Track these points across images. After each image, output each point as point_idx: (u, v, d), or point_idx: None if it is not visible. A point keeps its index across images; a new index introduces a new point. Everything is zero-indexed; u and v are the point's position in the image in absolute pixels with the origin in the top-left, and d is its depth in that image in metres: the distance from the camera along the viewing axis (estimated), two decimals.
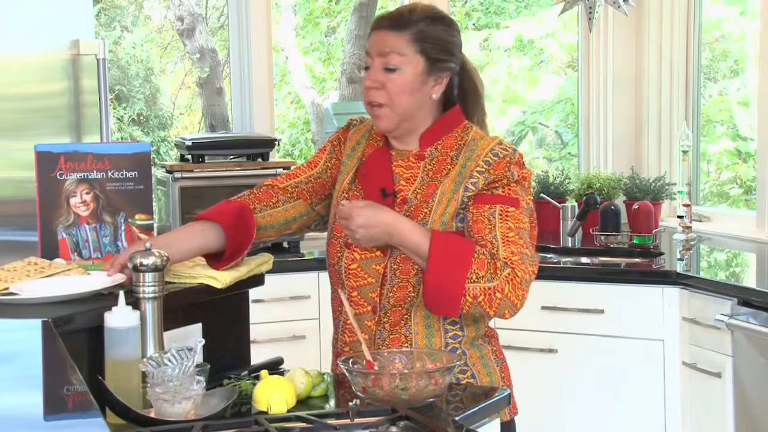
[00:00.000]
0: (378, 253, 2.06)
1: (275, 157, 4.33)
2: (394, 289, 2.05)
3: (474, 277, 1.95)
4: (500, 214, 2.02)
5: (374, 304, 2.08)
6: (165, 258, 1.91)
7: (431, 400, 1.85)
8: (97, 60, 3.12)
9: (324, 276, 3.67)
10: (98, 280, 1.98)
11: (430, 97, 2.10)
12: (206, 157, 3.92)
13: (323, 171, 2.23)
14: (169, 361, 1.74)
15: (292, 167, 2.33)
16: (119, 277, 1.97)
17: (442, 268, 1.96)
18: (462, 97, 2.17)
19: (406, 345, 2.06)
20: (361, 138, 2.21)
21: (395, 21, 2.08)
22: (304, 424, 1.64)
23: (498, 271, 1.97)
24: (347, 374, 1.87)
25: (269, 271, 2.31)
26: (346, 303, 2.05)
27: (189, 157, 3.89)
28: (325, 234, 2.26)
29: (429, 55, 2.07)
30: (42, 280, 1.99)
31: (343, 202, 2.05)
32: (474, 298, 1.96)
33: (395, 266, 2.05)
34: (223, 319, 2.25)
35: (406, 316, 2.07)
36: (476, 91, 2.19)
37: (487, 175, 2.04)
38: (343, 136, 2.25)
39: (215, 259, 2.15)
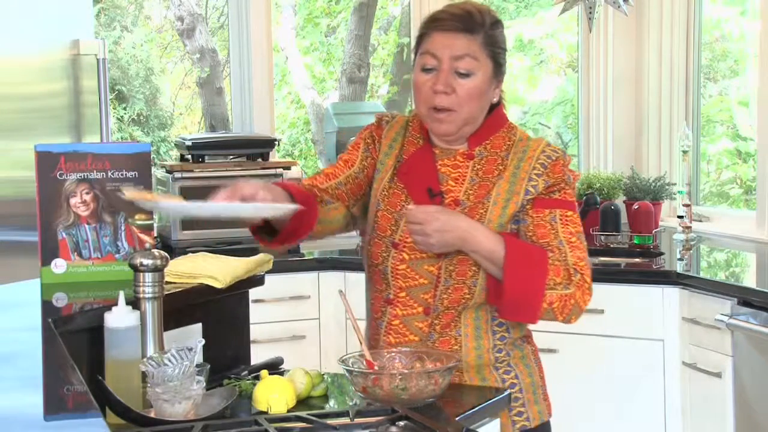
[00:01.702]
0: (430, 253, 2.02)
1: (275, 157, 4.33)
2: (449, 291, 2.03)
3: (551, 283, 1.97)
4: (561, 219, 2.03)
5: (426, 306, 2.04)
6: (165, 258, 1.91)
7: (431, 400, 1.85)
8: (97, 60, 3.12)
9: (324, 276, 3.71)
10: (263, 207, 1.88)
11: (490, 101, 2.07)
12: (206, 157, 3.92)
13: (360, 171, 2.14)
14: (169, 361, 1.74)
15: (323, 169, 2.19)
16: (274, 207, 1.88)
17: (521, 275, 1.95)
18: None
19: (456, 347, 2.04)
20: (396, 135, 2.15)
21: (467, 23, 1.99)
22: (304, 424, 1.64)
23: (572, 278, 1.99)
24: (347, 374, 1.88)
25: (269, 271, 2.31)
26: (348, 307, 1.99)
27: (189, 157, 3.89)
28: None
29: (496, 59, 2.03)
30: (188, 202, 1.90)
31: (410, 206, 1.99)
32: (549, 304, 1.97)
33: (451, 267, 2.01)
34: (223, 319, 2.25)
35: (456, 318, 2.04)
36: None
37: (546, 179, 2.02)
38: (377, 133, 2.16)
39: (265, 234, 2.02)
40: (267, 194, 1.87)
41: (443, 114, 2.01)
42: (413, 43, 2.11)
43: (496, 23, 2.04)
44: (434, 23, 2.02)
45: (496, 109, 2.11)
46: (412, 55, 2.10)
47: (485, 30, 2.00)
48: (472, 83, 1.99)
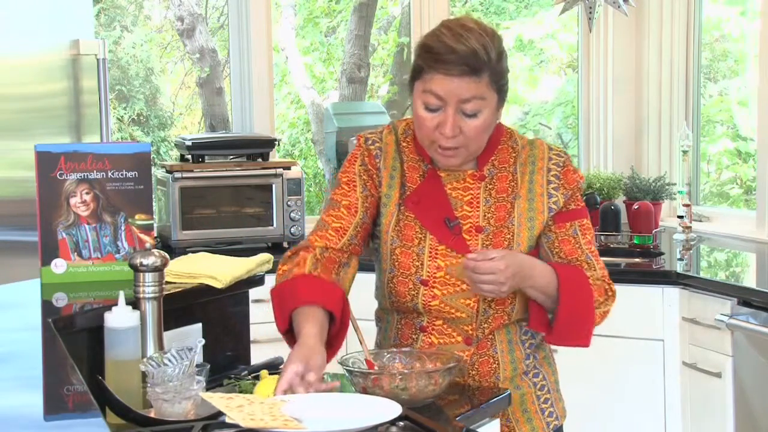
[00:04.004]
0: (464, 287, 1.95)
1: (275, 157, 4.33)
2: (489, 320, 2.00)
3: (596, 304, 2.00)
4: (580, 230, 2.03)
5: (466, 336, 2.01)
6: (165, 258, 1.91)
7: (431, 400, 1.85)
8: (97, 60, 3.12)
9: None
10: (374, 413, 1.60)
11: (494, 125, 1.98)
12: (206, 157, 3.92)
13: (364, 214, 2.01)
14: (169, 361, 1.74)
15: (326, 219, 2.01)
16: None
17: (575, 303, 1.96)
18: None
19: (494, 365, 2.03)
20: (394, 162, 2.02)
21: (473, 64, 1.85)
22: None
23: (607, 293, 2.02)
24: (347, 374, 1.88)
25: (269, 271, 2.31)
26: (356, 327, 1.95)
27: (189, 157, 3.89)
28: None
29: (501, 91, 1.93)
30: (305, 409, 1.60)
31: (470, 255, 1.87)
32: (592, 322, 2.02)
33: (489, 299, 1.97)
34: (223, 319, 2.25)
35: (491, 337, 2.03)
36: None
37: (564, 191, 2.00)
38: (371, 164, 2.02)
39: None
40: (323, 350, 1.75)
41: (450, 151, 1.92)
42: (413, 47, 1.99)
43: (502, 52, 1.92)
44: (438, 63, 1.86)
45: None
46: (408, 79, 1.96)
47: (492, 67, 1.88)
48: (479, 121, 1.89)
